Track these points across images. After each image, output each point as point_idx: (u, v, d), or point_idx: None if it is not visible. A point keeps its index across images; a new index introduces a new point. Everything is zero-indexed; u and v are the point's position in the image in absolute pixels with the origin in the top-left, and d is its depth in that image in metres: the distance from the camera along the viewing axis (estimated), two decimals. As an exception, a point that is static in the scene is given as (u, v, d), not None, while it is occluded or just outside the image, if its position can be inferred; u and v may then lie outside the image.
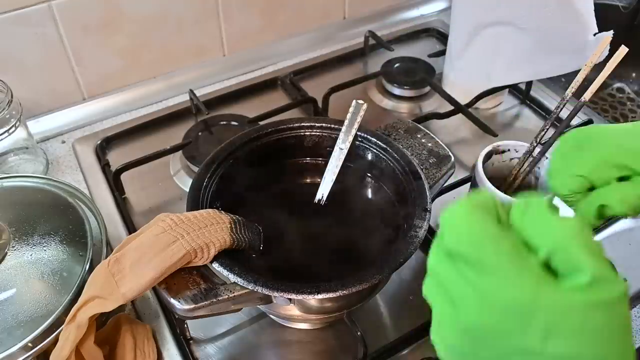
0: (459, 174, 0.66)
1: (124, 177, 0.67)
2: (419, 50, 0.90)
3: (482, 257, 0.23)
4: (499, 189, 0.54)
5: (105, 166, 0.70)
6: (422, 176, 0.51)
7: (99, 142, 0.74)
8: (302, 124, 0.56)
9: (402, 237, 0.47)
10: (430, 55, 0.86)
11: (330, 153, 0.54)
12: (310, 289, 0.41)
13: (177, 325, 0.54)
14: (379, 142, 0.54)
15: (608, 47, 0.54)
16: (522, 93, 0.82)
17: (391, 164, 0.53)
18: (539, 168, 0.58)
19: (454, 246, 0.24)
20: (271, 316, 0.55)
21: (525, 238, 0.24)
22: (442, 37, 0.93)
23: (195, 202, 0.48)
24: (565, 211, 0.33)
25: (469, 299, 0.24)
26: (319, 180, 0.54)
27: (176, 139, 0.71)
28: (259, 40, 0.88)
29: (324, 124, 0.56)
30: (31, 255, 0.50)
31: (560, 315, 0.22)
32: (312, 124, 0.56)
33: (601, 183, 0.40)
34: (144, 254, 0.41)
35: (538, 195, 0.26)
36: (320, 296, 0.41)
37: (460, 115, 0.75)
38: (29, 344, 0.45)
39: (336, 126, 0.55)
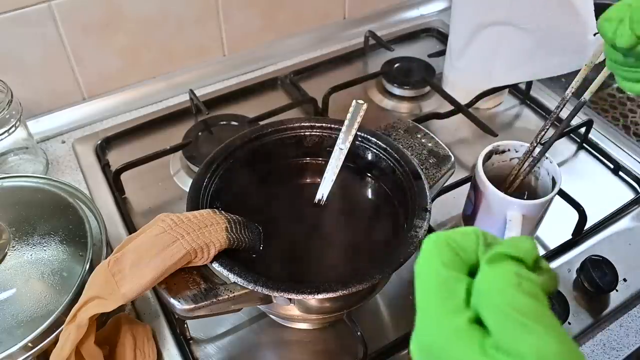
0: (459, 174, 0.66)
1: (124, 177, 0.67)
2: (419, 50, 0.90)
3: (421, 297, 0.24)
4: (499, 189, 0.54)
5: (105, 166, 0.70)
6: (422, 176, 0.51)
7: (99, 142, 0.74)
8: (302, 124, 0.56)
9: (402, 237, 0.47)
10: (430, 55, 0.86)
11: (330, 153, 0.54)
12: (310, 289, 0.41)
13: (177, 325, 0.54)
14: (379, 142, 0.54)
15: (608, 47, 0.54)
16: (522, 93, 0.82)
17: (391, 164, 0.53)
18: (539, 168, 0.58)
19: (416, 268, 0.25)
20: (271, 316, 0.55)
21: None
22: (442, 37, 0.93)
23: (195, 202, 0.48)
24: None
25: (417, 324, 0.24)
26: (319, 180, 0.54)
27: (176, 139, 0.71)
28: (259, 40, 0.88)
29: (324, 124, 0.56)
30: (31, 255, 0.50)
31: None
32: (312, 124, 0.56)
33: None
34: (144, 254, 0.41)
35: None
36: (320, 296, 0.41)
37: (460, 115, 0.75)
38: (29, 344, 0.45)
39: (336, 126, 0.55)
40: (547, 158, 0.56)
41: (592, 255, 0.57)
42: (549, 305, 0.23)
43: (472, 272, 0.24)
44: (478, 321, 0.23)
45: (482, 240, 0.25)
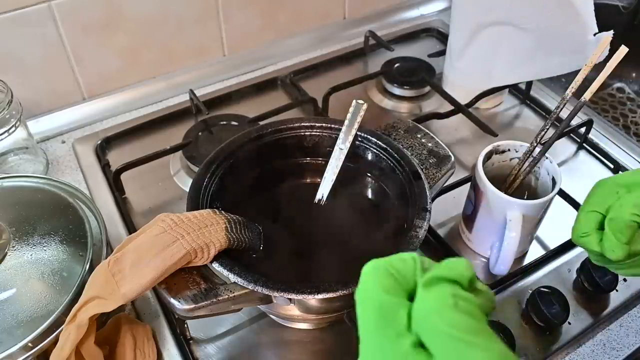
0: (459, 174, 0.66)
1: (124, 177, 0.67)
2: (419, 50, 0.90)
3: (363, 324, 0.24)
4: (499, 189, 0.54)
5: (105, 166, 0.70)
6: (422, 176, 0.51)
7: (99, 142, 0.74)
8: (302, 124, 0.56)
9: (402, 237, 0.47)
10: (430, 55, 0.86)
11: (330, 153, 0.54)
12: (310, 289, 0.41)
13: (177, 325, 0.54)
14: (379, 142, 0.54)
15: (608, 47, 0.54)
16: (522, 93, 0.82)
17: (391, 164, 0.53)
18: (538, 168, 0.58)
19: (357, 296, 0.25)
20: (271, 316, 0.55)
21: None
22: (442, 37, 0.93)
23: (195, 202, 0.48)
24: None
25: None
26: (319, 180, 0.54)
27: (176, 139, 0.71)
28: (259, 40, 0.88)
29: (324, 124, 0.56)
30: (31, 255, 0.50)
31: None
32: (312, 124, 0.56)
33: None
34: (144, 254, 0.41)
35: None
36: (320, 296, 0.41)
37: (460, 115, 0.75)
38: (29, 344, 0.45)
39: (336, 126, 0.55)
40: (547, 158, 0.56)
41: (592, 255, 0.57)
42: (487, 322, 0.23)
43: (412, 296, 0.24)
44: (421, 344, 0.23)
45: (419, 265, 0.25)
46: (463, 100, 0.76)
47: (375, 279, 0.24)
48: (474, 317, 0.22)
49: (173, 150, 0.69)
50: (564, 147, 0.75)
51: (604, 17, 0.64)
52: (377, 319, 0.23)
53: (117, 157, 0.72)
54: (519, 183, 0.57)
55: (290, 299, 0.44)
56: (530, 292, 0.55)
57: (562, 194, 0.62)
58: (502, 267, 0.54)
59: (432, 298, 0.23)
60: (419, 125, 0.59)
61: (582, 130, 0.74)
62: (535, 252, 0.61)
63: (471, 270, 0.24)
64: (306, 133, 0.56)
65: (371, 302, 0.24)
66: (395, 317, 0.23)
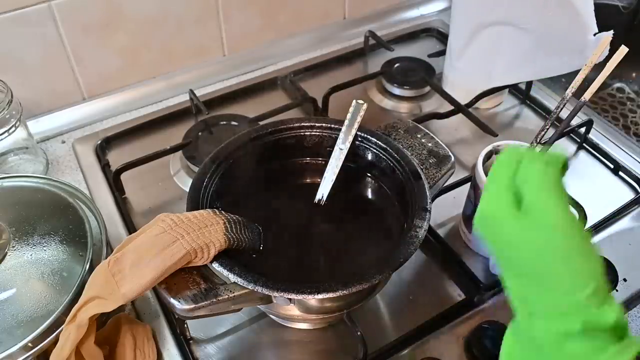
0: (459, 174, 0.66)
1: (124, 177, 0.67)
2: (419, 50, 0.90)
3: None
4: (499, 189, 0.54)
5: (105, 166, 0.70)
6: (422, 176, 0.51)
7: (99, 142, 0.74)
8: (302, 124, 0.56)
9: (402, 237, 0.47)
10: (430, 55, 0.86)
11: (330, 153, 0.54)
12: (310, 289, 0.41)
13: (177, 325, 0.54)
14: (379, 142, 0.54)
15: (608, 47, 0.54)
16: (522, 93, 0.82)
17: (391, 164, 0.53)
18: (539, 168, 0.58)
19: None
20: (271, 316, 0.55)
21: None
22: (442, 37, 0.93)
23: (195, 202, 0.48)
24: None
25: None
26: (319, 180, 0.54)
27: (176, 139, 0.71)
28: (259, 40, 0.88)
29: (324, 124, 0.56)
30: (31, 255, 0.50)
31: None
32: (312, 124, 0.56)
33: None
34: (144, 254, 0.41)
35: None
36: (320, 296, 0.41)
37: (460, 115, 0.75)
38: (29, 344, 0.45)
39: (336, 126, 0.55)
40: (547, 158, 0.56)
41: (592, 255, 0.57)
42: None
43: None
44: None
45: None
46: (463, 100, 0.76)
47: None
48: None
49: (173, 150, 0.69)
50: (564, 147, 0.75)
51: (604, 17, 0.64)
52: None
53: (117, 157, 0.72)
54: (519, 183, 0.57)
55: (290, 299, 0.44)
56: (530, 292, 0.55)
57: (562, 194, 0.62)
58: (502, 267, 0.54)
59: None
60: (419, 125, 0.59)
61: (582, 130, 0.74)
62: (535, 252, 0.61)
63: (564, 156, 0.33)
64: (306, 133, 0.56)
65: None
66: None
